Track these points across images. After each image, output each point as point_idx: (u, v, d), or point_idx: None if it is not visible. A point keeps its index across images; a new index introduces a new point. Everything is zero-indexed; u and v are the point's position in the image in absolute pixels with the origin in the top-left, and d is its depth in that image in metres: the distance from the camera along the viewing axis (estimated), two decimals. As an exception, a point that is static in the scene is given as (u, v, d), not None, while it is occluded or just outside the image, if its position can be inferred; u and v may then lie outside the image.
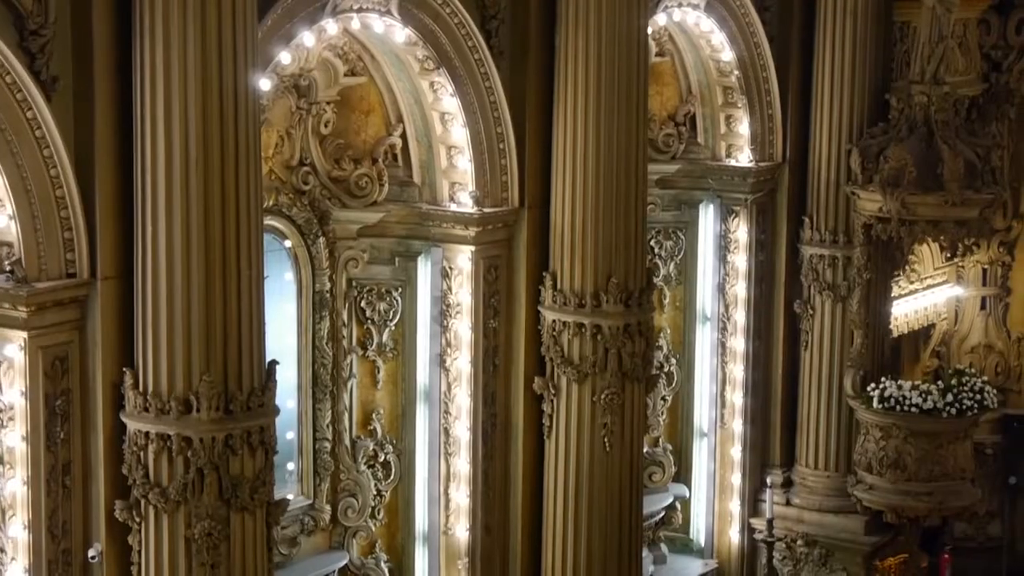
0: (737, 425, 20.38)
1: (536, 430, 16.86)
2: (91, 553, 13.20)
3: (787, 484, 20.63)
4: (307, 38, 14.88)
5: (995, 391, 20.26)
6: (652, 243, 19.70)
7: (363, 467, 16.58)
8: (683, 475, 20.40)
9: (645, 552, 18.20)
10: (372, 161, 16.39)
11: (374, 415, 16.73)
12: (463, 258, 16.42)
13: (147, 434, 12.89)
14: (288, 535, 15.81)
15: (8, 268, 12.76)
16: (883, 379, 19.78)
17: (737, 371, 20.32)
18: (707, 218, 20.25)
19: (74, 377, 13.03)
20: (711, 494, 20.51)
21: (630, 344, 16.49)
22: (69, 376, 13.00)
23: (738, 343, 20.28)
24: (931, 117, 19.50)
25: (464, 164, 16.26)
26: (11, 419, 12.92)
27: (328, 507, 16.35)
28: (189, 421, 12.77)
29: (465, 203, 16.31)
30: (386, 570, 16.77)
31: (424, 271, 16.64)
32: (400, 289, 16.68)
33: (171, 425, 12.78)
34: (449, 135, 16.25)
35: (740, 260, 20.19)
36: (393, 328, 16.71)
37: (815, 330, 20.35)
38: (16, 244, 12.73)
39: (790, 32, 20.13)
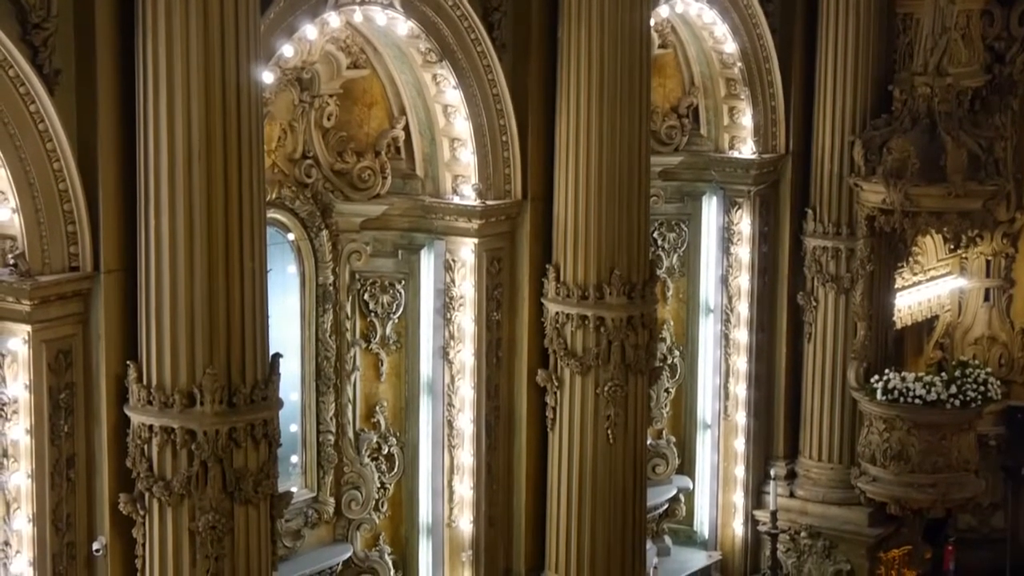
0: (740, 417, 20.39)
1: (539, 422, 16.87)
2: (95, 546, 13.21)
3: (791, 476, 20.64)
4: (309, 31, 14.88)
5: (999, 383, 20.27)
6: (655, 235, 19.68)
7: (367, 460, 16.59)
8: (686, 467, 20.40)
9: (649, 544, 18.21)
10: (375, 154, 16.38)
11: (377, 408, 16.74)
12: (466, 251, 16.42)
13: (151, 427, 12.89)
14: (292, 528, 15.82)
15: (12, 262, 12.76)
16: (887, 371, 19.79)
17: (740, 363, 20.32)
18: (710, 210, 20.24)
19: (78, 370, 13.04)
20: (715, 486, 20.52)
21: (633, 336, 16.49)
22: (73, 369, 13.00)
23: (741, 335, 20.28)
24: (934, 109, 19.50)
25: (467, 157, 16.26)
26: (15, 412, 12.93)
27: (332, 500, 16.35)
28: (193, 414, 12.77)
29: (468, 196, 16.31)
30: (390, 563, 16.77)
31: (427, 264, 16.64)
32: (403, 282, 16.68)
33: (175, 418, 12.79)
34: (452, 128, 16.24)
35: (743, 252, 20.18)
36: (396, 321, 16.71)
37: (818, 322, 20.36)
38: (20, 238, 12.73)
39: (793, 23, 20.12)
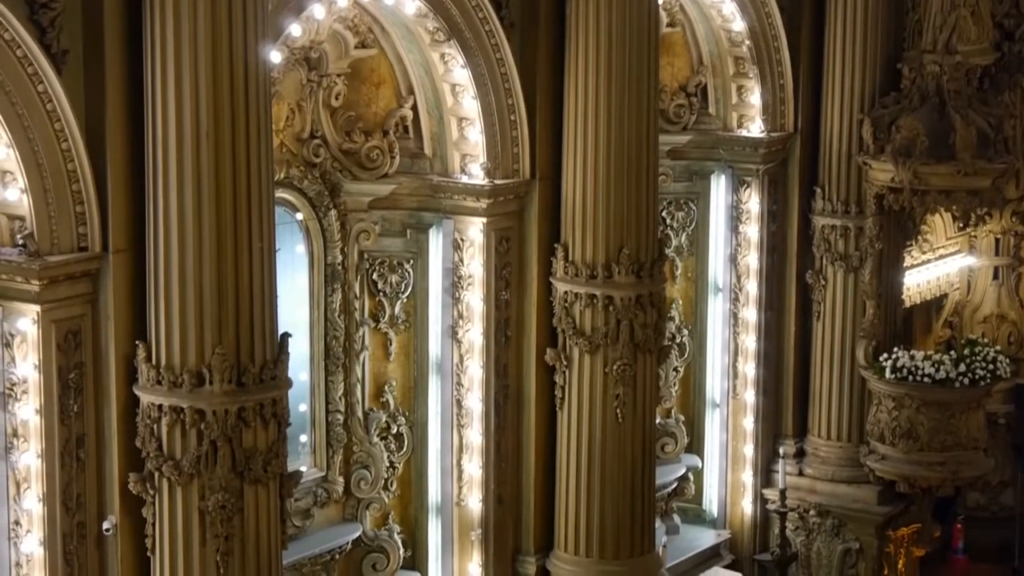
0: (749, 396, 20.39)
1: (548, 401, 16.89)
2: (105, 526, 13.25)
3: (799, 454, 20.64)
4: (317, 10, 14.87)
5: (1008, 361, 20.24)
6: (663, 214, 19.67)
7: (376, 439, 16.61)
8: (695, 446, 20.41)
9: (658, 523, 18.22)
10: (383, 133, 16.37)
11: (386, 387, 16.75)
12: (474, 230, 16.42)
13: (160, 407, 12.91)
14: (301, 507, 15.85)
15: (20, 242, 12.77)
16: (895, 349, 19.78)
17: (749, 342, 20.31)
18: (719, 189, 20.21)
19: (87, 350, 13.04)
20: (723, 465, 20.53)
21: (642, 315, 16.49)
22: (82, 349, 13.01)
23: (750, 314, 20.27)
24: (943, 87, 19.47)
25: (475, 136, 16.25)
26: (25, 392, 12.95)
27: (341, 479, 16.38)
28: (202, 394, 12.79)
29: (476, 175, 16.30)
30: (399, 541, 16.81)
31: (436, 243, 16.64)
32: (412, 261, 16.68)
33: (184, 398, 12.80)
34: (460, 107, 16.23)
35: (752, 231, 20.17)
36: (405, 300, 16.72)
37: (827, 301, 20.35)
38: (28, 218, 12.74)
39: (801, 1, 20.06)
